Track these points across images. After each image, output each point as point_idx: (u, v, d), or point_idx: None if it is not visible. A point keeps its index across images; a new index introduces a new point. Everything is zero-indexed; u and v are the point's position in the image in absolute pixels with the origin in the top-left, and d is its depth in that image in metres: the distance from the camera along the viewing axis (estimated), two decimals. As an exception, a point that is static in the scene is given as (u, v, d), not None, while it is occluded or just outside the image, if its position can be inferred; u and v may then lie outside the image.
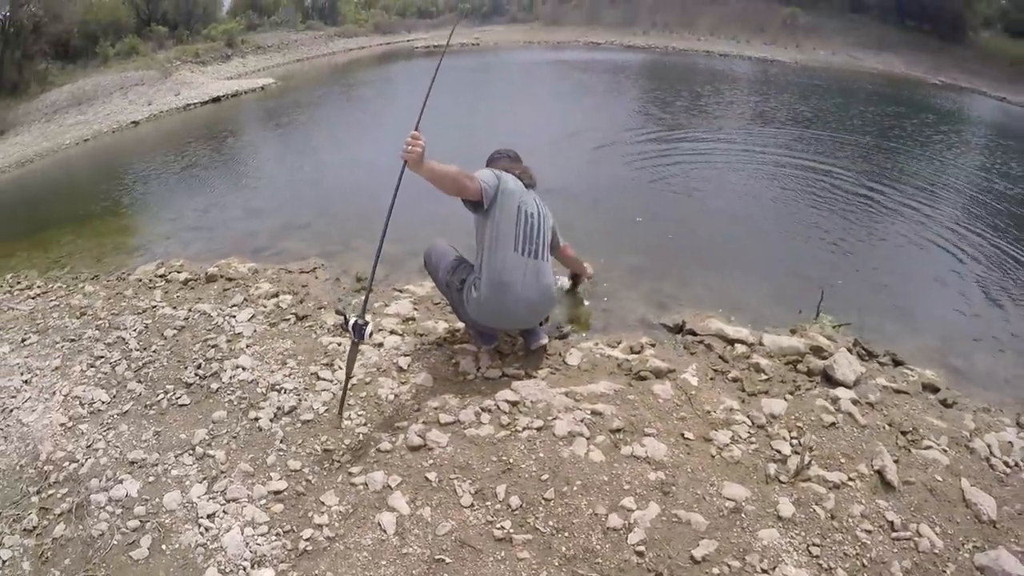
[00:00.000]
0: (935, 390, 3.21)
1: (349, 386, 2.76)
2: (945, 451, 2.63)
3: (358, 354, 2.72)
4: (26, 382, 3.26)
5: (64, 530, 2.27)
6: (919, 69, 21.86)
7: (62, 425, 2.86)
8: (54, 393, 3.12)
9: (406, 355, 3.22)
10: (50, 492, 2.46)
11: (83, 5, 20.03)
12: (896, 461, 2.51)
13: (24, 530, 2.29)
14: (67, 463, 2.60)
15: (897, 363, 3.47)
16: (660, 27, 28.73)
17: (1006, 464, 2.61)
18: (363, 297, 2.72)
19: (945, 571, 2.08)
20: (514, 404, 2.77)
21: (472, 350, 3.26)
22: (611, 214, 5.89)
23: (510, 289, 2.90)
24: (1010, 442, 2.76)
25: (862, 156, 8.95)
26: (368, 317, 2.65)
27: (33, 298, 4.50)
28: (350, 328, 2.56)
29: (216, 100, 15.37)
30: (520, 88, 15.92)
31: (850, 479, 2.42)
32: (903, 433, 2.72)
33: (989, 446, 2.70)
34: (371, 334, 2.61)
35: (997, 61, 22.72)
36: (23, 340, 3.75)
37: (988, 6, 27.47)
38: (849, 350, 3.38)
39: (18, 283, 4.93)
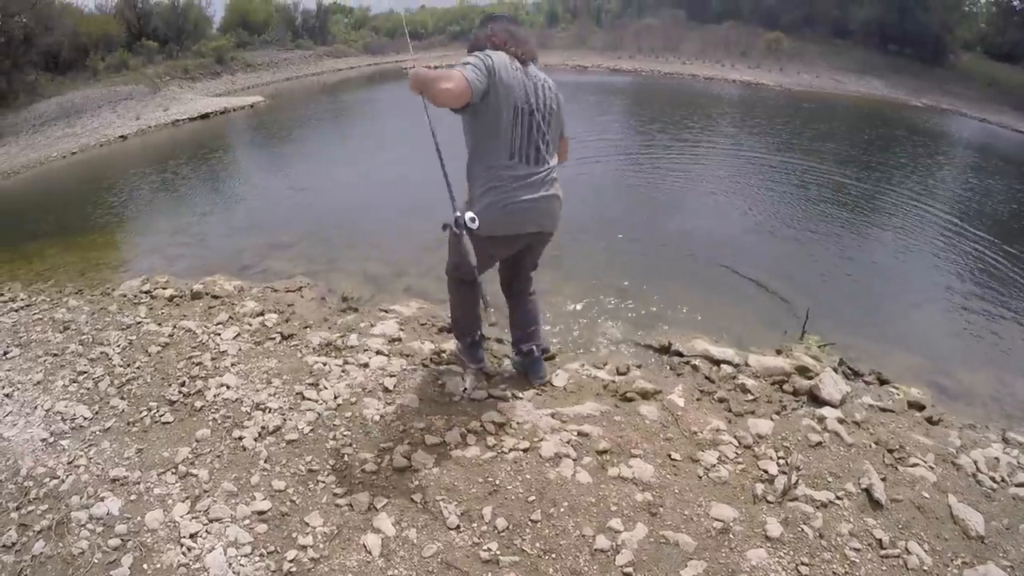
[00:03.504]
0: (920, 408, 3.24)
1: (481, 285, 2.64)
2: (932, 468, 2.65)
3: (466, 245, 2.51)
4: (7, 396, 3.20)
5: (44, 547, 2.21)
6: (901, 92, 22.30)
7: (43, 440, 2.80)
8: (36, 408, 3.07)
9: (392, 375, 3.20)
10: (30, 508, 2.40)
11: (74, 18, 20.01)
12: (883, 479, 2.53)
13: (3, 546, 2.23)
14: (48, 479, 2.55)
15: (883, 382, 3.51)
16: (646, 51, 29.16)
17: (993, 480, 2.64)
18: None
19: (934, 587, 2.08)
20: (500, 425, 2.76)
21: (459, 371, 3.25)
22: (598, 233, 5.93)
23: (516, 196, 2.59)
24: (996, 458, 2.79)
25: (851, 175, 9.09)
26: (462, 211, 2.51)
27: (16, 311, 4.44)
28: (452, 225, 2.48)
29: (205, 117, 15.35)
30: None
31: (838, 498, 2.42)
32: (890, 451, 2.74)
33: (975, 462, 2.73)
34: (473, 219, 2.46)
35: (976, 83, 23.24)
36: (5, 353, 3.69)
37: (969, 30, 28.17)
38: (835, 369, 3.41)
39: (1, 296, 4.87)
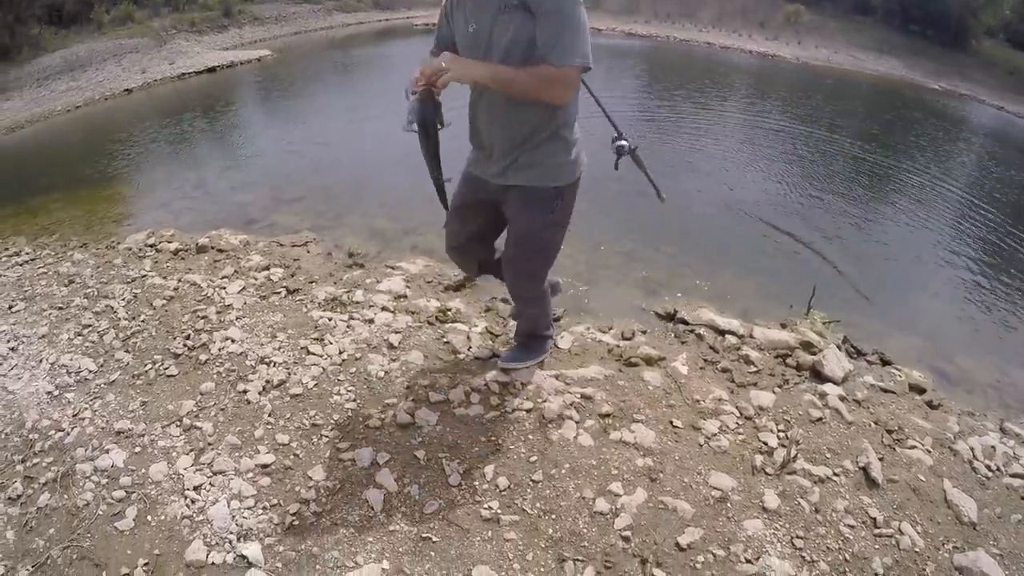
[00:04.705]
0: (921, 391, 3.24)
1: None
2: (929, 452, 2.66)
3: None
4: (12, 349, 3.21)
5: (49, 499, 2.24)
6: (918, 73, 21.85)
7: (48, 393, 2.82)
8: (41, 361, 3.08)
9: (397, 332, 3.20)
10: (35, 461, 2.43)
11: (79, -31, 19.59)
12: (881, 459, 2.54)
13: (8, 499, 2.25)
14: (53, 432, 2.57)
15: (885, 362, 3.51)
16: (662, 16, 28.50)
17: (988, 468, 2.65)
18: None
19: (925, 570, 2.10)
20: (504, 385, 2.76)
21: (464, 329, 3.26)
22: (608, 194, 5.83)
23: None
24: (993, 446, 2.80)
25: (871, 153, 9.00)
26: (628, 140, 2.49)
27: (21, 265, 4.44)
28: (628, 149, 2.50)
29: (211, 70, 15.08)
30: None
31: (835, 474, 2.44)
32: (888, 432, 2.75)
33: (972, 449, 2.74)
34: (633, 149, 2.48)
35: (997, 70, 22.80)
36: (10, 307, 3.69)
37: (993, 16, 27.54)
38: (838, 347, 3.41)
39: (6, 250, 4.86)
